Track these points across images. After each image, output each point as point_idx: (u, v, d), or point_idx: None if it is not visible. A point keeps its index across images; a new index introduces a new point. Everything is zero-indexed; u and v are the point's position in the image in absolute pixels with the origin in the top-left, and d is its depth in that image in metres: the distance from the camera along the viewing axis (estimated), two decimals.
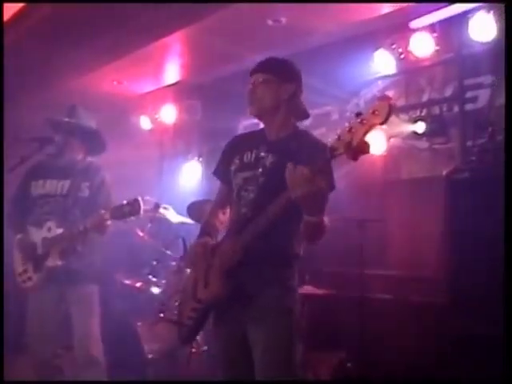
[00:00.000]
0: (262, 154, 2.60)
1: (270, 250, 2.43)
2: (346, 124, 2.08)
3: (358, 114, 2.05)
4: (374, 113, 2.01)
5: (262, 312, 2.42)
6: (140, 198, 3.52)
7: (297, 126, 2.71)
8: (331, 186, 2.43)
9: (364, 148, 2.07)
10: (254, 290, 2.44)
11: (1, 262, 3.99)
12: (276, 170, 2.42)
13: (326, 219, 2.37)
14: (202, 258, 2.56)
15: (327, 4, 4.45)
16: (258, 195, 2.48)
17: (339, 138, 2.08)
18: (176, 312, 2.78)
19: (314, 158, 2.17)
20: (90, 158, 3.96)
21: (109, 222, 3.57)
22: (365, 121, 2.03)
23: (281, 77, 2.63)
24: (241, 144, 2.76)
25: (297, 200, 2.19)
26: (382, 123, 2.02)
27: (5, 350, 3.85)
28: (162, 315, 4.64)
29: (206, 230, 2.72)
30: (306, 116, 2.74)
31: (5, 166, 3.45)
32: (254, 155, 2.62)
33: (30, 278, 3.66)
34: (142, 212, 3.54)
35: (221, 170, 2.79)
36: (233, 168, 2.67)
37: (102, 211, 3.54)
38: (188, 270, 2.78)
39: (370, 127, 2.02)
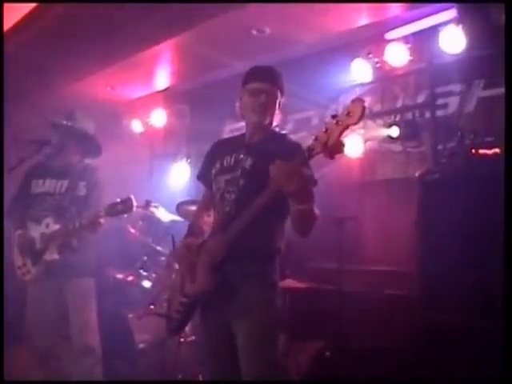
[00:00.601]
0: (241, 156, 2.60)
1: (252, 246, 2.43)
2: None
3: (334, 116, 2.08)
4: (348, 114, 2.04)
5: (246, 304, 2.43)
6: (132, 196, 3.54)
7: (273, 129, 2.72)
8: (313, 182, 2.44)
9: (339, 147, 2.10)
10: (238, 284, 2.44)
11: (1, 261, 3.97)
12: (255, 171, 2.48)
13: (316, 209, 2.40)
14: (187, 257, 2.57)
15: (309, 16, 4.48)
16: (240, 195, 2.48)
17: (316, 138, 2.11)
18: (165, 306, 2.78)
19: (293, 157, 2.19)
20: (86, 160, 3.96)
21: (102, 220, 3.58)
22: (340, 122, 2.05)
23: (281, 91, 2.66)
24: (221, 149, 2.76)
25: (288, 193, 2.22)
26: (355, 123, 2.06)
27: (6, 339, 3.84)
28: (152, 307, 4.64)
29: (192, 230, 2.74)
30: (280, 120, 2.76)
31: (5, 167, 3.42)
32: (233, 159, 2.62)
33: (29, 271, 3.66)
34: (134, 209, 3.56)
35: (203, 175, 2.81)
36: (213, 172, 2.68)
37: (97, 210, 3.55)
38: (176, 267, 2.77)
39: (345, 128, 2.05)
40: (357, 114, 2.03)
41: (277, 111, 2.67)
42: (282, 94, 2.67)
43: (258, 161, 2.51)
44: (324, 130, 2.09)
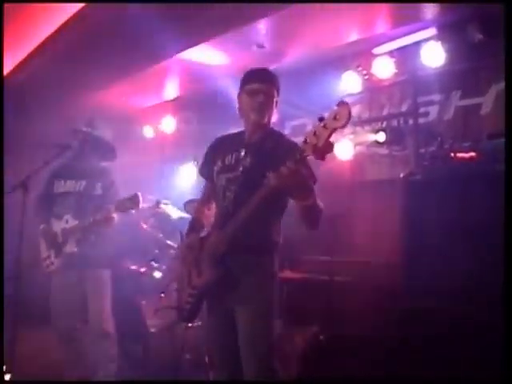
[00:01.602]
0: (242, 155, 2.54)
1: (251, 240, 2.41)
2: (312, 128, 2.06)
3: (321, 119, 2.02)
4: (335, 118, 1.97)
5: (246, 293, 2.42)
6: (139, 194, 3.55)
7: (272, 128, 2.65)
8: (313, 178, 2.40)
9: (328, 148, 2.04)
10: (239, 274, 2.42)
11: (1, 261, 3.99)
12: (254, 170, 2.41)
13: (320, 203, 2.34)
14: (190, 255, 2.54)
15: (304, 32, 4.50)
16: (240, 193, 2.42)
17: (306, 141, 2.05)
18: (175, 298, 2.75)
19: (290, 155, 2.13)
20: (103, 163, 3.98)
21: (114, 215, 3.59)
22: (327, 125, 1.98)
23: (277, 91, 2.59)
24: (223, 146, 2.69)
25: (289, 192, 2.20)
26: (343, 127, 1.97)
27: (32, 322, 3.85)
28: (162, 296, 4.65)
29: (193, 226, 2.69)
30: (273, 118, 2.66)
31: (31, 170, 3.43)
32: (234, 157, 2.56)
33: (52, 263, 3.70)
34: (141, 205, 3.57)
35: (205, 170, 2.75)
36: (216, 169, 2.62)
37: (108, 206, 3.57)
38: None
39: (333, 131, 1.98)
40: (344, 117, 1.95)
41: (274, 110, 2.59)
42: (278, 94, 2.59)
43: (258, 160, 2.46)
44: (312, 132, 2.03)
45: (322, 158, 2.06)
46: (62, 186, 3.83)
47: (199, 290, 2.51)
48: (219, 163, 2.61)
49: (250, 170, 2.46)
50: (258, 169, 2.27)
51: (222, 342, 2.58)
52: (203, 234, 2.62)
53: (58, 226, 3.71)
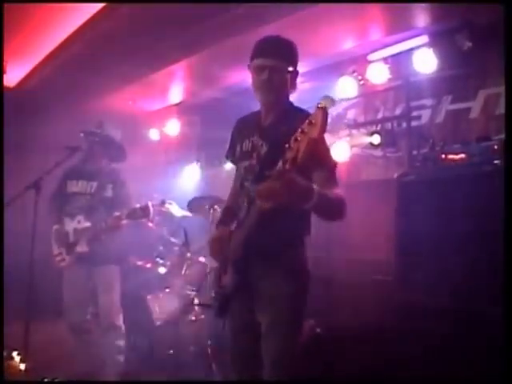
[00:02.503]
0: (256, 141, 2.24)
1: (270, 238, 2.14)
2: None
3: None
4: (310, 123, 1.71)
5: (267, 297, 2.19)
6: (150, 204, 3.59)
7: (288, 103, 2.30)
8: (334, 163, 2.12)
9: (309, 161, 1.76)
10: (259, 279, 2.21)
11: (1, 261, 4.01)
12: (269, 159, 2.06)
13: (335, 191, 2.04)
14: (219, 249, 2.31)
15: (302, 39, 4.49)
16: (256, 185, 2.05)
17: (289, 146, 1.79)
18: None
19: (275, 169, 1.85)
20: (113, 164, 3.99)
21: (124, 222, 3.63)
22: (305, 130, 1.73)
23: (290, 62, 2.21)
24: (242, 129, 2.40)
25: (280, 205, 1.89)
26: (320, 133, 1.71)
27: (46, 314, 3.88)
28: (167, 290, 4.68)
29: (224, 216, 2.44)
30: (295, 88, 2.30)
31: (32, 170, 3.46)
32: (250, 143, 2.27)
33: (63, 259, 3.73)
34: (151, 216, 3.63)
35: (230, 154, 2.46)
36: (236, 155, 2.37)
37: (118, 213, 3.61)
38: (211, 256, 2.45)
39: (310, 140, 1.71)
40: (319, 121, 1.70)
41: (288, 87, 2.23)
42: (293, 67, 2.21)
43: (272, 146, 2.13)
44: (294, 138, 1.77)
45: (306, 168, 1.85)
46: (74, 186, 3.85)
47: (225, 289, 2.30)
48: (238, 148, 2.36)
49: (265, 159, 2.14)
50: (273, 157, 1.92)
51: (242, 344, 2.33)
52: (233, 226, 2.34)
53: (70, 226, 3.73)
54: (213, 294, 2.42)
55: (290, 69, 2.22)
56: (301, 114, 2.11)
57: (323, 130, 1.71)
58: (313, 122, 1.71)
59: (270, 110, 2.27)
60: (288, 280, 2.20)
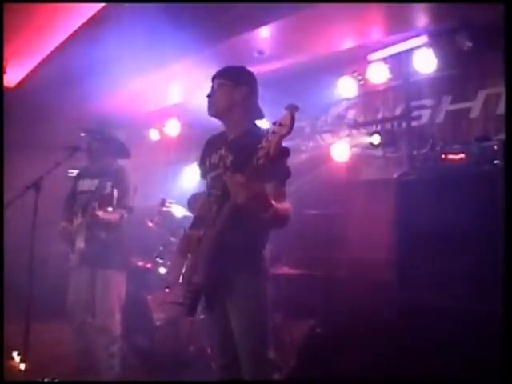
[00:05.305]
0: (223, 153, 2.47)
1: (237, 240, 2.32)
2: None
3: (274, 124, 1.94)
4: (280, 124, 1.90)
5: (237, 291, 2.39)
6: (116, 192, 3.60)
7: (251, 124, 2.53)
8: (287, 174, 2.34)
9: (281, 154, 1.95)
10: (230, 274, 2.38)
11: (1, 261, 3.99)
12: (235, 168, 2.26)
13: (285, 205, 2.26)
14: (187, 250, 2.50)
15: (302, 40, 4.52)
16: (223, 192, 2.30)
17: (262, 146, 1.96)
18: (180, 293, 2.67)
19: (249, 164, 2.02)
20: (118, 162, 3.95)
21: (100, 214, 3.56)
22: (276, 131, 1.91)
23: (234, 80, 2.49)
24: (210, 146, 2.64)
25: (242, 204, 2.07)
26: (287, 133, 1.89)
27: (46, 314, 3.87)
28: (167, 290, 4.67)
29: (195, 222, 2.66)
30: (261, 116, 2.56)
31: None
32: (218, 156, 2.50)
33: (69, 259, 3.72)
34: (114, 204, 3.61)
35: (200, 170, 2.71)
36: (206, 169, 2.59)
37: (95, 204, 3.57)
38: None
39: (280, 138, 1.90)
40: (287, 123, 1.88)
41: (238, 103, 2.48)
42: (237, 84, 2.48)
43: (237, 157, 2.36)
44: (266, 138, 1.95)
45: (275, 163, 1.98)
46: (81, 186, 3.87)
47: (196, 287, 2.43)
48: (207, 163, 2.59)
49: (231, 169, 2.33)
50: (239, 167, 2.12)
51: (219, 335, 2.56)
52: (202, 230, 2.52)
53: (74, 224, 3.74)
54: (186, 292, 2.52)
55: (232, 85, 2.49)
56: (261, 131, 2.44)
57: (291, 130, 1.89)
58: (282, 123, 1.90)
59: (232, 127, 2.54)
60: (254, 278, 2.41)
